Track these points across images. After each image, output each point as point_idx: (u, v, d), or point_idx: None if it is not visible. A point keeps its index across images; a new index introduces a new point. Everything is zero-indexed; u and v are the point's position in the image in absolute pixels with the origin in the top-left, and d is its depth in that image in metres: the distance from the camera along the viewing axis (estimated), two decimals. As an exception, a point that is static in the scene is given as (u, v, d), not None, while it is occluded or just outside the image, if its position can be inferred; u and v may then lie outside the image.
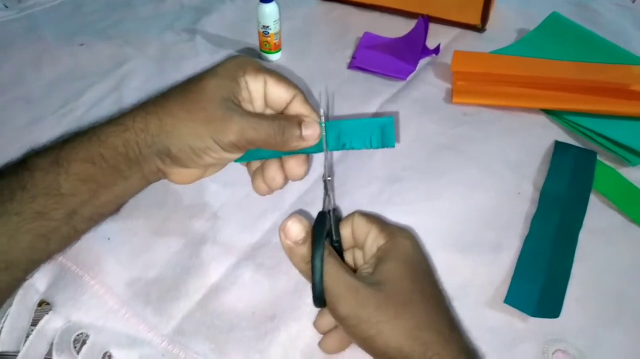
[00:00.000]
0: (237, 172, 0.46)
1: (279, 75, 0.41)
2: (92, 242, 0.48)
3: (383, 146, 0.41)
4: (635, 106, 0.63)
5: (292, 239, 0.36)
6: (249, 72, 0.40)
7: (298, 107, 0.41)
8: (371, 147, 0.41)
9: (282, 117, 0.40)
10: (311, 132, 0.40)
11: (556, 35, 0.76)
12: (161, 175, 0.41)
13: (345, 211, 0.52)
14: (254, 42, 0.73)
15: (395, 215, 0.52)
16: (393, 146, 0.40)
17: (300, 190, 0.54)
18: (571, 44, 0.74)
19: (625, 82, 0.65)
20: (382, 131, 0.41)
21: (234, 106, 0.39)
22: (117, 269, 0.47)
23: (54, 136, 0.40)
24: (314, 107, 0.42)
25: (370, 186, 0.55)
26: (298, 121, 0.40)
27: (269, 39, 0.71)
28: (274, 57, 0.73)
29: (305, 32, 0.80)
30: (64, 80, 0.69)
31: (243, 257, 0.48)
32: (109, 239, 0.50)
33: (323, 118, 0.41)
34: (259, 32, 0.71)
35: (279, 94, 0.41)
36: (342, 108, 0.65)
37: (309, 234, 0.36)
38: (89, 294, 0.45)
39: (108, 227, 0.50)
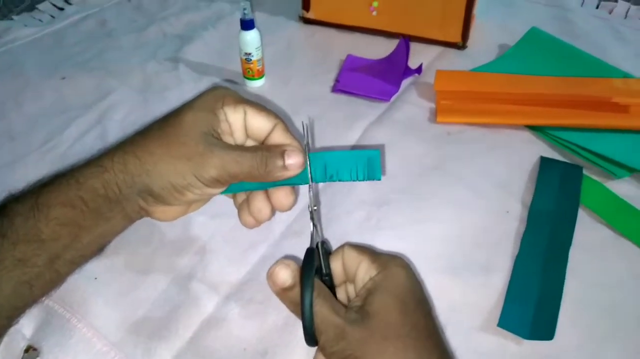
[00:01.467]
0: (224, 203, 0.45)
1: (259, 105, 0.41)
2: (79, 282, 0.47)
3: (369, 179, 0.41)
4: (617, 118, 0.64)
5: (280, 285, 0.36)
6: (228, 103, 0.40)
7: (279, 137, 0.41)
8: (357, 179, 0.41)
9: (264, 148, 0.40)
10: (294, 161, 0.40)
11: (536, 50, 0.77)
12: (144, 214, 0.41)
13: (334, 239, 0.52)
14: (237, 68, 0.73)
15: (384, 240, 0.52)
16: (379, 179, 0.40)
17: (289, 219, 0.54)
18: (551, 58, 0.75)
19: (606, 95, 0.66)
20: (368, 163, 0.40)
21: (214, 139, 0.38)
22: (104, 310, 0.46)
23: (39, 173, 0.40)
24: (296, 137, 0.42)
25: (358, 211, 0.55)
26: (280, 151, 0.40)
27: (251, 65, 0.71)
28: (258, 83, 0.73)
29: (289, 56, 0.80)
30: (46, 116, 0.69)
31: (232, 292, 0.48)
32: (95, 278, 0.49)
33: (306, 149, 0.41)
34: (241, 60, 0.71)
35: (260, 124, 0.41)
36: (326, 133, 0.65)
37: (297, 278, 0.36)
38: (76, 338, 0.44)
39: (94, 267, 0.49)
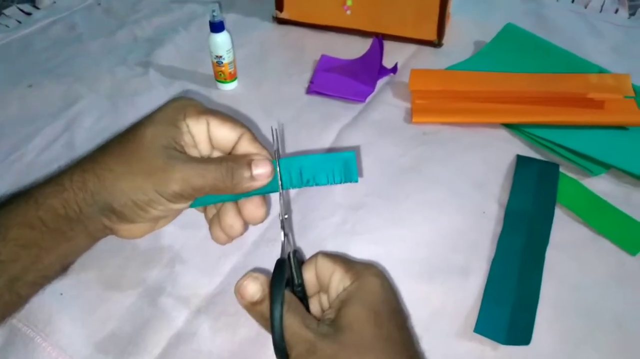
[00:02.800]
0: (194, 212, 0.44)
1: (223, 115, 0.40)
2: (44, 298, 0.46)
3: (346, 181, 0.40)
4: (593, 114, 0.63)
5: (248, 299, 0.35)
6: (190, 115, 0.38)
7: (246, 146, 0.40)
8: (334, 182, 0.40)
9: (230, 159, 0.39)
10: (262, 171, 0.38)
11: (512, 46, 0.76)
12: (109, 232, 0.39)
13: (309, 246, 0.51)
14: (209, 71, 0.71)
15: (360, 245, 0.51)
16: (356, 181, 0.39)
17: (262, 226, 0.53)
18: (527, 54, 0.74)
19: (582, 91, 0.65)
20: (344, 166, 0.39)
21: (176, 153, 0.37)
22: (70, 327, 0.45)
23: (4, 185, 0.38)
24: (265, 145, 0.40)
25: (333, 216, 0.54)
26: (247, 161, 0.38)
27: (223, 68, 0.69)
28: (230, 86, 0.71)
29: (262, 57, 0.78)
30: (12, 125, 0.67)
31: (203, 305, 0.47)
32: (61, 294, 0.47)
33: (275, 155, 0.40)
34: (212, 63, 0.69)
35: (224, 134, 0.39)
36: (300, 135, 0.64)
37: (266, 291, 0.35)
38: (41, 358, 0.43)
39: (60, 282, 0.46)
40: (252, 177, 0.38)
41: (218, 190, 0.38)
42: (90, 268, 0.49)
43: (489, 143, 0.62)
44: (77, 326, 0.45)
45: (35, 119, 0.67)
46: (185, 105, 0.39)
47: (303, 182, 0.40)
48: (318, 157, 0.39)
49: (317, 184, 0.40)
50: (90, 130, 0.65)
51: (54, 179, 0.37)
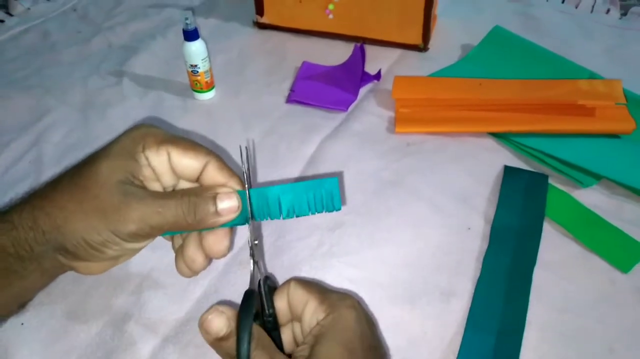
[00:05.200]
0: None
1: (186, 143, 0.37)
2: (3, 329, 0.43)
3: (328, 210, 0.37)
4: (583, 122, 0.61)
5: (213, 335, 0.32)
6: (149, 146, 0.36)
7: (213, 175, 0.37)
8: (316, 212, 0.37)
9: (192, 193, 0.36)
10: (228, 206, 0.36)
11: (499, 50, 0.73)
12: (68, 268, 0.37)
13: (283, 269, 0.48)
14: (185, 80, 0.69)
15: (337, 269, 0.48)
16: (339, 209, 0.37)
17: (234, 248, 0.50)
18: (515, 59, 0.72)
19: (572, 98, 0.63)
20: (326, 194, 0.37)
21: (133, 188, 0.34)
22: (30, 361, 0.42)
23: None
24: (234, 171, 0.38)
25: (310, 237, 0.51)
26: (212, 195, 0.36)
27: (198, 77, 0.66)
28: (207, 96, 0.69)
29: (241, 64, 0.75)
30: (-23, 140, 0.64)
31: (171, 334, 0.44)
32: (22, 324, 0.45)
33: (245, 180, 0.37)
34: (187, 72, 0.66)
35: (188, 164, 0.37)
36: (279, 148, 0.61)
37: (232, 326, 0.32)
38: (-4, 397, 0.40)
39: (22, 311, 0.45)
40: (217, 213, 0.35)
41: (180, 227, 0.35)
42: (54, 296, 0.46)
43: (476, 154, 0.60)
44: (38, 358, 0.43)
45: (1, 134, 0.64)
46: (144, 135, 0.36)
47: (283, 214, 0.37)
48: (297, 185, 0.37)
49: (297, 216, 0.37)
50: (59, 145, 0.62)
51: (3, 216, 0.35)
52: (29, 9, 0.89)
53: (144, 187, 0.35)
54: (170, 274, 0.48)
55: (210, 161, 0.37)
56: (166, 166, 0.36)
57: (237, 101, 0.69)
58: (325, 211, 0.37)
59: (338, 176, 0.38)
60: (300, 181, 0.37)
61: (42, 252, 0.34)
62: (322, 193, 0.37)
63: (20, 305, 0.37)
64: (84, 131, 0.64)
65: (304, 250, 0.50)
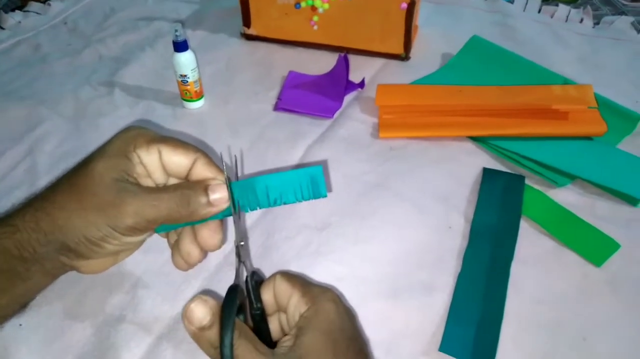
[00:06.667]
0: (157, 236, 0.43)
1: (175, 141, 0.39)
2: (2, 329, 0.45)
3: (315, 197, 0.39)
4: (557, 125, 0.64)
5: (196, 324, 0.33)
6: (140, 145, 0.38)
7: (202, 171, 0.39)
8: (303, 199, 0.39)
9: (185, 186, 0.38)
10: (219, 196, 0.38)
11: (477, 58, 0.77)
12: (69, 269, 0.38)
13: (272, 267, 0.50)
14: (175, 90, 0.71)
15: (324, 267, 0.50)
16: (325, 196, 0.39)
17: (225, 249, 0.52)
18: (493, 66, 0.75)
19: (546, 102, 0.66)
20: (312, 181, 0.39)
21: (128, 185, 0.36)
22: (28, 360, 0.44)
23: None
24: (221, 168, 0.40)
25: (297, 237, 0.53)
26: (203, 187, 0.38)
27: (188, 87, 0.68)
28: (196, 105, 0.71)
29: (229, 74, 0.78)
30: (-28, 151, 0.65)
31: (164, 332, 0.46)
32: (20, 325, 0.46)
33: (227, 175, 0.39)
34: (177, 82, 0.68)
35: (177, 161, 0.39)
36: (268, 153, 0.63)
37: (216, 316, 0.33)
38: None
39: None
40: (209, 203, 0.37)
41: (174, 219, 0.37)
42: (52, 297, 0.48)
43: (456, 156, 0.63)
44: (35, 358, 0.44)
45: (-5, 144, 0.66)
46: (135, 135, 0.38)
47: (270, 202, 0.39)
48: (284, 174, 0.39)
49: (284, 203, 0.39)
50: (52, 154, 0.64)
51: (6, 220, 0.37)
52: (20, 22, 0.90)
53: (138, 184, 0.37)
54: (163, 276, 0.50)
55: (199, 158, 0.39)
56: (157, 163, 0.38)
57: (225, 109, 0.71)
58: (312, 198, 0.39)
59: (322, 165, 0.39)
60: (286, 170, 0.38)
61: (45, 254, 0.36)
62: (308, 181, 0.38)
63: (22, 306, 0.39)
64: (77, 140, 0.66)
65: (292, 249, 0.52)
